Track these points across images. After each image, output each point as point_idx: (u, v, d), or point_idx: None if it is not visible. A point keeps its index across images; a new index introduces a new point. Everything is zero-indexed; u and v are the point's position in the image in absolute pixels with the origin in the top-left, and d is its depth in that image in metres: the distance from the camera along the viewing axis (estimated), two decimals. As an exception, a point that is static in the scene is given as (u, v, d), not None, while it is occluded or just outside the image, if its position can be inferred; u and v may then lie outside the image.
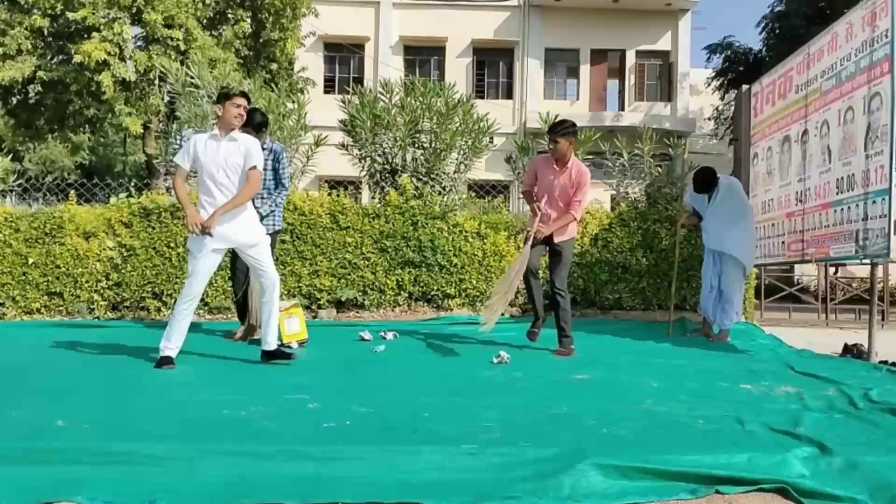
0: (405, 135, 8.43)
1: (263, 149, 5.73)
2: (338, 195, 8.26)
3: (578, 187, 5.47)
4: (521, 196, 6.30)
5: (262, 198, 5.75)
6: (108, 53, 14.06)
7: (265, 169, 5.74)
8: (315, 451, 2.76)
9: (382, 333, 6.20)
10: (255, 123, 5.66)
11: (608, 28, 22.66)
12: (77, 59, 13.94)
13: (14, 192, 9.35)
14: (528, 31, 22.71)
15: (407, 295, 7.84)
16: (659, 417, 3.49)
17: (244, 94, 4.80)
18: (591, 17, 22.58)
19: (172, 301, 7.49)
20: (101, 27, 14.17)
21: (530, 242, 5.44)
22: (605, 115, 21.79)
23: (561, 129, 5.40)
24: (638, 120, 20.71)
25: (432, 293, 7.83)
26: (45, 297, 7.47)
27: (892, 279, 11.40)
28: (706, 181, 6.50)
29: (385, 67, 21.11)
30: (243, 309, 6.02)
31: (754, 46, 21.84)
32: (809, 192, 6.74)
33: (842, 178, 6.12)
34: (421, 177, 8.43)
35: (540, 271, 5.82)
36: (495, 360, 5.04)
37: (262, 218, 5.72)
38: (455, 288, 7.85)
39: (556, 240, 5.53)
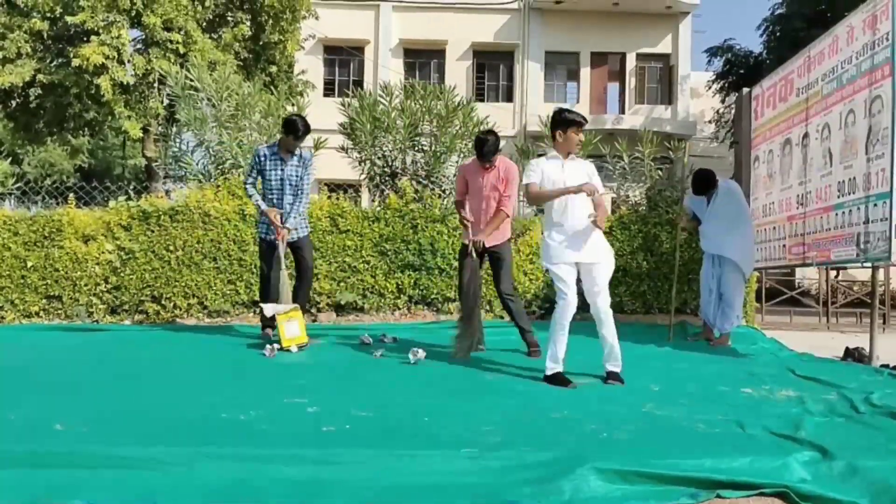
0: (405, 138, 8.43)
1: (293, 155, 5.88)
2: (337, 198, 8.26)
3: (508, 182, 5.41)
4: (454, 205, 6.01)
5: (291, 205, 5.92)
6: (107, 57, 14.05)
7: (298, 176, 5.90)
8: (314, 455, 2.76)
9: (382, 337, 6.19)
10: (300, 133, 5.75)
11: (608, 31, 22.67)
12: (75, 62, 13.94)
13: (13, 196, 9.34)
14: (528, 33, 22.72)
15: (407, 298, 7.83)
16: (659, 421, 3.48)
17: (584, 121, 4.67)
18: (591, 19, 22.59)
19: (171, 305, 7.49)
20: (100, 30, 14.17)
21: (473, 255, 5.33)
22: (606, 118, 21.80)
23: (495, 149, 5.36)
24: (638, 123, 20.71)
25: (432, 297, 7.81)
26: (44, 301, 7.46)
27: (893, 283, 11.38)
28: (704, 182, 6.49)
29: (385, 70, 21.12)
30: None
31: (755, 49, 21.83)
32: (810, 196, 6.73)
33: (843, 181, 6.11)
34: (421, 180, 8.43)
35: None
36: (412, 358, 5.07)
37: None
38: (455, 291, 7.83)
39: (493, 244, 5.42)
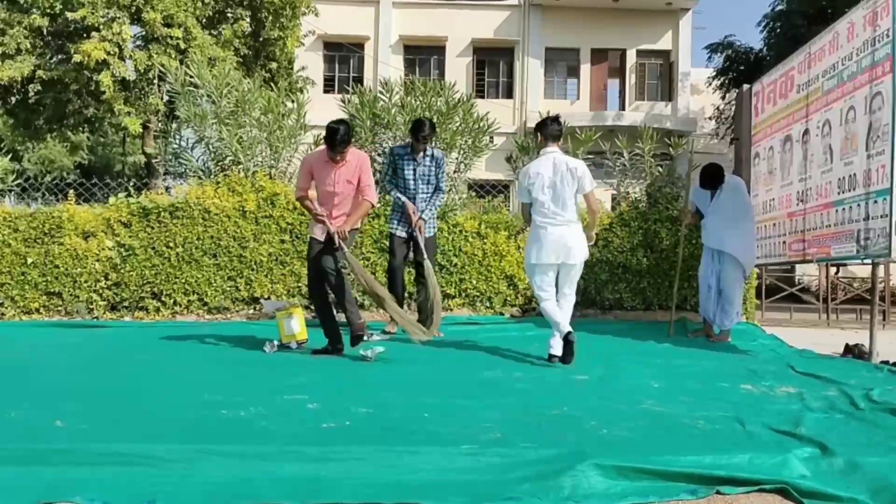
0: (405, 134, 8.42)
1: (425, 155, 6.20)
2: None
3: (363, 172, 5.22)
4: (297, 202, 5.52)
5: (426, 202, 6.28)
6: (108, 53, 14.05)
7: (433, 174, 6.27)
8: (314, 452, 2.75)
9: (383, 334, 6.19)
10: (423, 135, 6.07)
11: (609, 27, 22.65)
12: (76, 58, 13.93)
13: (13, 192, 9.33)
14: (528, 30, 22.70)
15: (406, 295, 7.81)
16: (659, 418, 3.48)
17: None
18: (591, 16, 22.57)
19: (171, 301, 7.48)
20: (101, 26, 14.16)
21: (340, 245, 5.20)
22: (606, 115, 21.78)
23: (348, 139, 5.04)
24: (639, 119, 20.69)
25: (432, 293, 7.80)
26: (44, 297, 7.46)
27: (893, 279, 11.39)
28: (713, 176, 6.48)
29: (385, 67, 21.10)
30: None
31: (755, 46, 21.85)
32: (811, 192, 6.72)
33: (843, 177, 6.11)
34: (421, 176, 8.41)
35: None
36: (362, 353, 5.05)
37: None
38: (455, 288, 7.83)
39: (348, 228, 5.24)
